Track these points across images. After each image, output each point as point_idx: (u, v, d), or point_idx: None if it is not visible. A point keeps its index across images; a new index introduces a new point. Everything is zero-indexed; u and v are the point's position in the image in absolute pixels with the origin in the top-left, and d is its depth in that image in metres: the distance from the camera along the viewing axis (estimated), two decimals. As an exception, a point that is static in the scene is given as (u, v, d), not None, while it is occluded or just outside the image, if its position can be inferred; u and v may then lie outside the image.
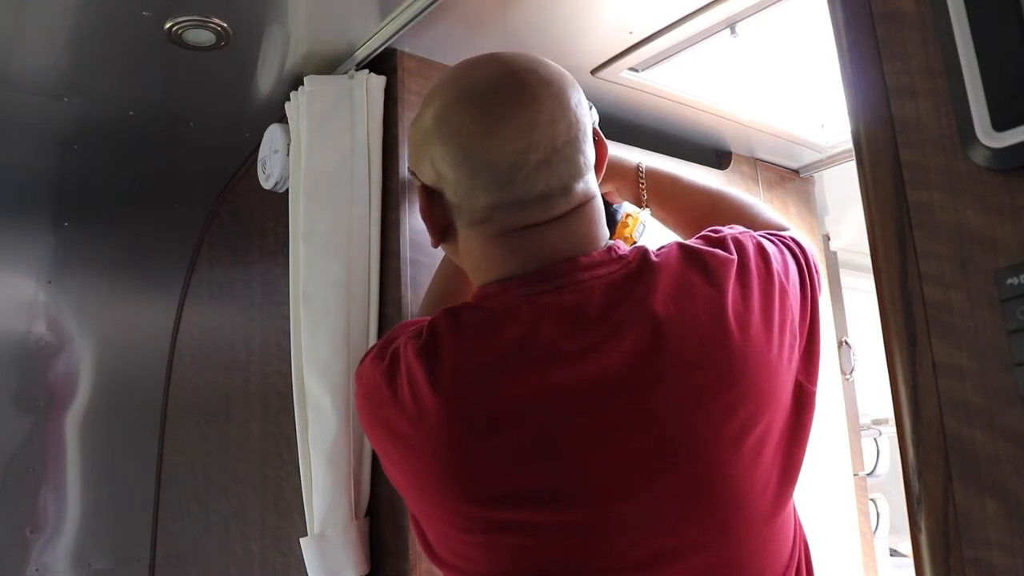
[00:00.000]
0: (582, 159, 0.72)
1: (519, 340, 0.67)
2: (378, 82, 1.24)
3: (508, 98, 0.69)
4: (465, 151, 0.70)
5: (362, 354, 1.17)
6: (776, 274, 0.73)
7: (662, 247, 0.75)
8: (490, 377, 0.66)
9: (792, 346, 0.72)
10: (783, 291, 0.72)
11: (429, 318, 0.74)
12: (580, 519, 0.64)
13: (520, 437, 0.65)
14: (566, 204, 0.71)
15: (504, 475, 0.65)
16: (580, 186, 0.72)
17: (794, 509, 0.75)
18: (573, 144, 0.71)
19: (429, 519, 0.72)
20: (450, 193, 0.73)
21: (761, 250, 0.75)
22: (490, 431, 0.65)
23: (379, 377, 0.72)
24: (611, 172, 0.98)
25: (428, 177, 0.75)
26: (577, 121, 0.72)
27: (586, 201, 0.73)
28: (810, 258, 0.80)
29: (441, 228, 0.76)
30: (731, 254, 0.72)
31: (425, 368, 0.67)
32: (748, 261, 0.72)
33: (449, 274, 1.01)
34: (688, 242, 0.75)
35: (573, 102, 0.72)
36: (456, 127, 0.70)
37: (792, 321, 0.72)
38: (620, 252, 0.73)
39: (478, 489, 0.66)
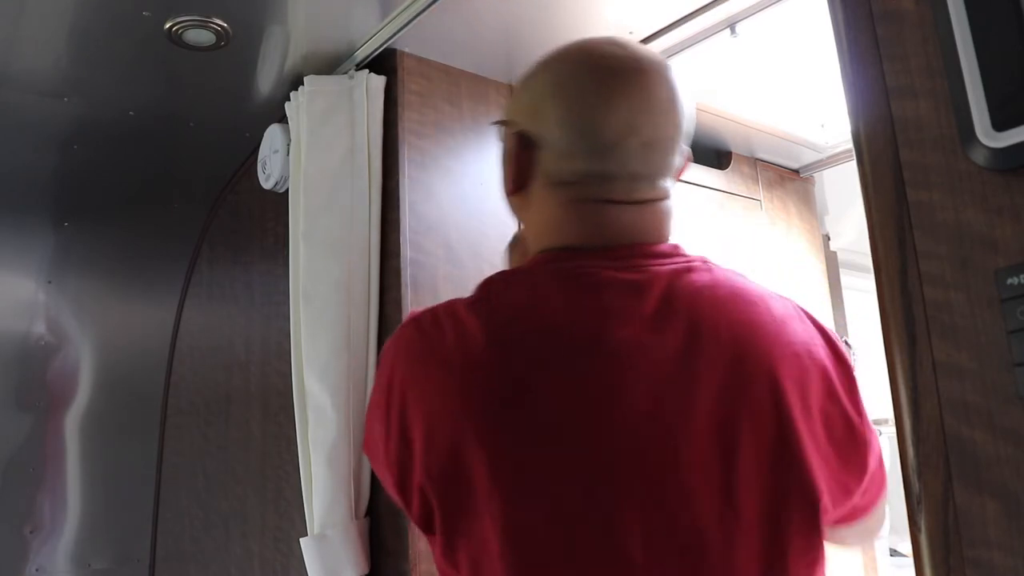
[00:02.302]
0: (671, 160, 0.74)
1: (571, 312, 0.67)
2: (378, 82, 1.24)
3: (631, 77, 0.71)
4: (578, 114, 0.71)
5: (362, 354, 1.18)
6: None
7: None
8: (537, 343, 0.65)
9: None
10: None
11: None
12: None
13: (551, 412, 0.64)
14: (649, 192, 0.72)
15: (536, 445, 0.63)
16: (663, 183, 0.74)
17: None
18: (671, 142, 0.73)
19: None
20: (548, 149, 0.73)
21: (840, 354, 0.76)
22: (524, 396, 0.64)
23: (425, 326, 0.70)
24: None
25: (527, 129, 0.75)
26: (679, 125, 0.74)
27: (664, 198, 0.74)
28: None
29: (523, 179, 0.75)
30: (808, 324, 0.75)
31: (479, 320, 0.67)
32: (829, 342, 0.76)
33: None
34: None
35: (681, 107, 0.74)
36: (577, 89, 0.71)
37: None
38: (684, 252, 0.74)
39: (515, 437, 0.64)
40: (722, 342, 0.66)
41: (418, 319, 0.71)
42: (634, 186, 0.71)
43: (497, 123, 0.81)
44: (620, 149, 0.70)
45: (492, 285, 0.71)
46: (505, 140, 0.78)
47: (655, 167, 0.72)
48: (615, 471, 0.61)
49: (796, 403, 0.65)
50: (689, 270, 0.70)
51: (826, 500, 0.64)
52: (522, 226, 0.81)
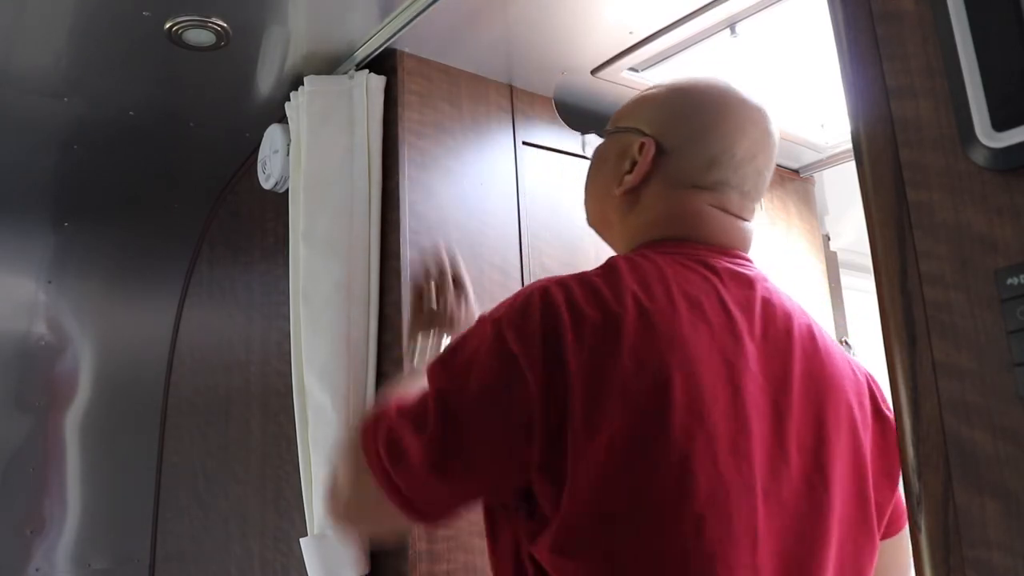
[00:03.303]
0: (765, 190, 0.88)
1: (701, 289, 0.75)
2: (378, 82, 1.24)
3: (759, 115, 0.86)
4: (722, 133, 0.83)
5: (362, 354, 1.18)
6: None
7: None
8: (684, 308, 0.72)
9: None
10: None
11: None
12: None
13: (702, 373, 0.69)
14: (749, 212, 0.86)
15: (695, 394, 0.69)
16: (756, 207, 0.87)
17: None
18: (770, 175, 0.87)
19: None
20: (682, 156, 0.83)
21: None
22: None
23: (577, 287, 0.71)
24: None
25: (665, 137, 0.84)
26: (774, 167, 0.89)
27: (752, 220, 0.87)
28: None
29: (645, 179, 0.84)
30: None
31: (632, 280, 0.73)
32: None
33: None
34: None
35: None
36: (722, 114, 0.84)
37: None
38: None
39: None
40: (805, 345, 0.78)
41: (562, 282, 0.72)
42: (744, 203, 0.85)
43: (611, 130, 0.90)
44: (744, 169, 0.83)
45: (618, 261, 0.77)
46: (623, 143, 0.87)
47: (758, 191, 0.86)
48: (747, 438, 0.70)
49: (854, 400, 0.79)
50: (767, 278, 0.83)
51: (870, 482, 0.78)
52: (609, 223, 0.90)
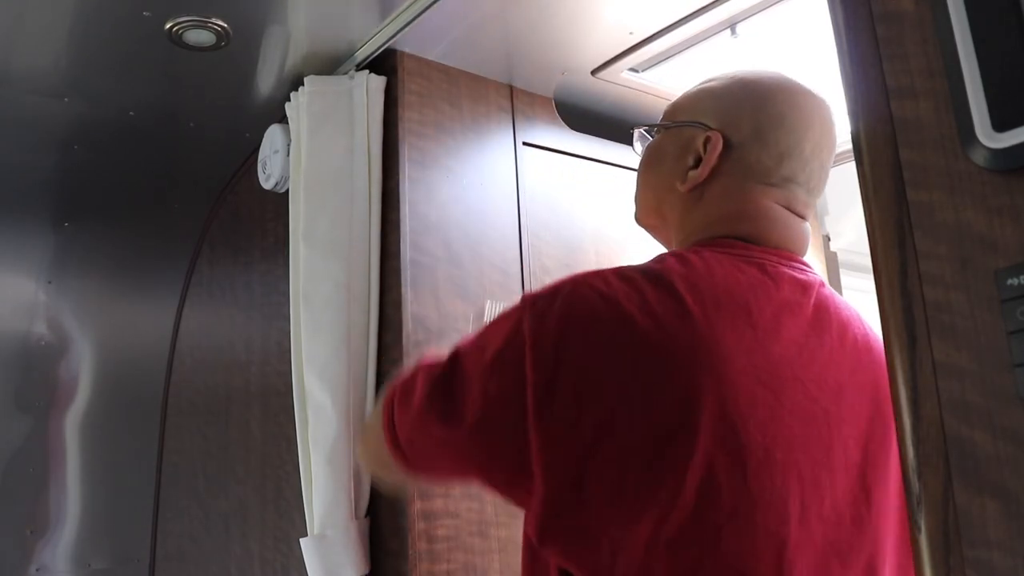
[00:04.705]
0: (825, 186, 0.86)
1: (756, 293, 0.72)
2: (378, 82, 1.24)
3: (823, 110, 0.85)
4: (789, 128, 0.82)
5: (362, 354, 1.18)
6: None
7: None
8: (732, 311, 0.70)
9: None
10: None
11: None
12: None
13: (740, 380, 0.67)
14: (810, 211, 0.84)
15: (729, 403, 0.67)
16: (815, 204, 0.85)
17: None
18: (829, 171, 0.86)
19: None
20: (751, 151, 0.81)
21: None
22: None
23: (614, 286, 0.69)
24: None
25: (731, 131, 0.83)
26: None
27: (809, 221, 0.84)
28: None
29: (710, 173, 0.82)
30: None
31: (675, 282, 0.69)
32: None
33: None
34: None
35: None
36: (787, 107, 0.83)
37: None
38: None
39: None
40: (860, 355, 0.75)
41: (602, 275, 0.71)
42: (808, 201, 0.83)
43: (669, 124, 0.88)
44: (811, 164, 0.82)
45: (669, 258, 0.74)
46: (684, 138, 0.84)
47: (820, 188, 0.85)
48: (786, 449, 0.67)
49: None
50: (824, 284, 0.80)
51: None
52: (663, 220, 0.88)
